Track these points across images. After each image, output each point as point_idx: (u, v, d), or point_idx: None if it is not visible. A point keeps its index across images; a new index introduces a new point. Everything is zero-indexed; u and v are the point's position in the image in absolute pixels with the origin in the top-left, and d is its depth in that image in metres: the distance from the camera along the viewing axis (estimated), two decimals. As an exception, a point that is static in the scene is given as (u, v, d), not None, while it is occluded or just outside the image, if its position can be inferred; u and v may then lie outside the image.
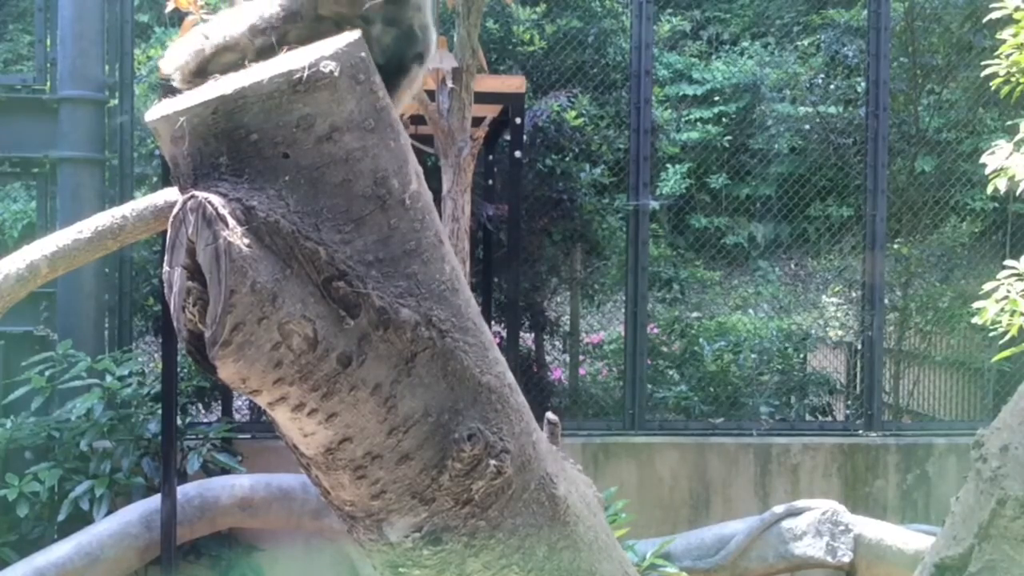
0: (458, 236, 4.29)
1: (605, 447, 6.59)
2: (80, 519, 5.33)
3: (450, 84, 4.27)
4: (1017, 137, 3.88)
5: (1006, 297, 3.73)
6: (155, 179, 6.86)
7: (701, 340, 7.61)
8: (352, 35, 1.31)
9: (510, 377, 1.49)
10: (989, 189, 3.98)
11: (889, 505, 6.78)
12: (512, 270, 5.70)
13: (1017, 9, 3.85)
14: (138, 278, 6.71)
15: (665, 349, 7.72)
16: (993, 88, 4.10)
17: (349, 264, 1.26)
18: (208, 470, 5.69)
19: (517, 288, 5.84)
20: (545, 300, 7.80)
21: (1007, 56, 3.93)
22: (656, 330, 7.63)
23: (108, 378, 5.74)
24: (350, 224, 1.27)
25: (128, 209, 1.65)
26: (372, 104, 1.30)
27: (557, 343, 7.99)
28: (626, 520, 4.65)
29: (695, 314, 7.93)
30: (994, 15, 3.96)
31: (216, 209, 1.19)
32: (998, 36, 4.00)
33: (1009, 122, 4.67)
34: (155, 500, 5.29)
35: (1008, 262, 3.81)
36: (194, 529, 5.46)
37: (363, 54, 1.30)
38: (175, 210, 1.22)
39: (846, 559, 5.26)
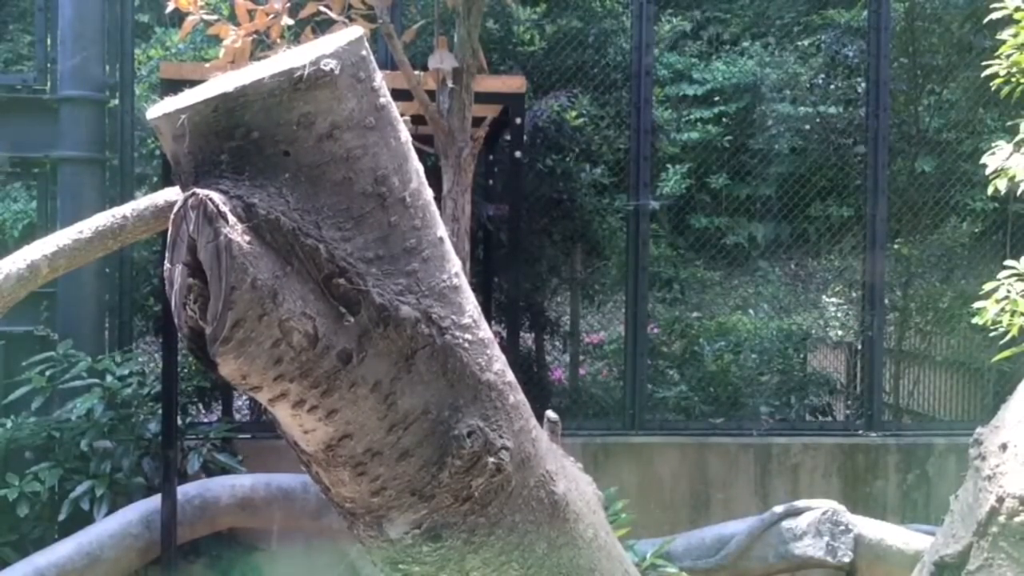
0: (458, 236, 4.29)
1: (605, 447, 6.59)
2: (80, 519, 5.34)
3: (450, 84, 4.28)
4: (1017, 137, 3.88)
5: (1006, 297, 3.73)
6: (155, 179, 6.86)
7: (701, 340, 7.61)
8: (353, 33, 1.31)
9: (510, 375, 1.50)
10: (989, 190, 3.98)
11: (889, 505, 6.78)
12: (512, 270, 5.71)
13: (1017, 9, 3.85)
14: (138, 278, 6.71)
15: (665, 349, 7.72)
16: (993, 88, 4.10)
17: (349, 261, 1.27)
18: (208, 470, 5.69)
19: (517, 288, 5.85)
20: (545, 300, 7.80)
21: (1007, 56, 3.93)
22: (656, 330, 7.63)
23: (108, 378, 5.74)
24: (350, 222, 1.28)
25: (128, 209, 1.65)
26: (373, 102, 1.31)
27: (557, 343, 7.99)
28: (626, 520, 4.65)
29: (695, 314, 7.93)
30: (994, 15, 3.96)
31: (217, 206, 1.19)
32: (998, 36, 4.00)
33: (1009, 122, 4.66)
34: (155, 500, 5.29)
35: (1008, 262, 3.80)
36: (194, 529, 5.46)
37: (364, 52, 1.30)
38: (176, 207, 1.22)
39: (846, 559, 5.26)
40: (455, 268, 1.41)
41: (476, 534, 1.43)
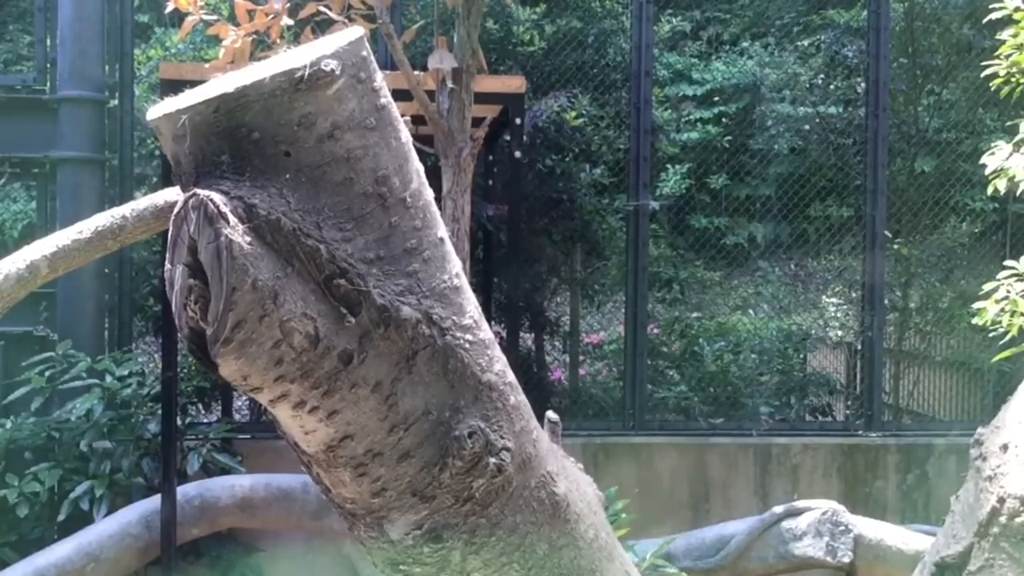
0: (458, 236, 4.29)
1: (605, 447, 6.59)
2: (80, 519, 5.34)
3: (450, 84, 4.28)
4: (1017, 137, 3.88)
5: (1006, 297, 3.73)
6: (155, 179, 6.86)
7: (701, 340, 7.61)
8: (353, 33, 1.31)
9: (510, 375, 1.50)
10: (989, 190, 3.98)
11: (889, 505, 6.78)
12: (512, 270, 5.70)
13: (1017, 9, 3.85)
14: (138, 278, 6.70)
15: (665, 349, 7.72)
16: (993, 88, 4.10)
17: (350, 262, 1.26)
18: (208, 470, 5.68)
19: (517, 288, 5.85)
20: (545, 300, 7.80)
21: (1007, 56, 3.93)
22: (656, 330, 7.63)
23: (108, 378, 5.74)
24: (351, 222, 1.27)
25: (128, 209, 1.65)
26: (373, 103, 1.31)
27: (557, 343, 7.99)
28: (626, 520, 4.65)
29: (695, 314, 7.93)
30: (994, 15, 3.96)
31: (218, 207, 1.19)
32: (998, 36, 4.00)
33: (1009, 122, 4.66)
34: (155, 500, 5.29)
35: (1008, 262, 3.80)
36: (194, 529, 5.46)
37: (364, 52, 1.30)
38: (177, 208, 1.22)
39: (846, 559, 5.26)
40: (456, 269, 1.40)
41: (477, 535, 1.43)
